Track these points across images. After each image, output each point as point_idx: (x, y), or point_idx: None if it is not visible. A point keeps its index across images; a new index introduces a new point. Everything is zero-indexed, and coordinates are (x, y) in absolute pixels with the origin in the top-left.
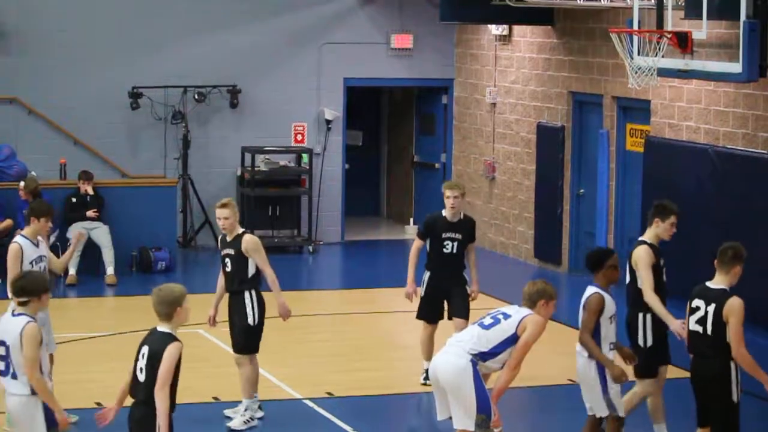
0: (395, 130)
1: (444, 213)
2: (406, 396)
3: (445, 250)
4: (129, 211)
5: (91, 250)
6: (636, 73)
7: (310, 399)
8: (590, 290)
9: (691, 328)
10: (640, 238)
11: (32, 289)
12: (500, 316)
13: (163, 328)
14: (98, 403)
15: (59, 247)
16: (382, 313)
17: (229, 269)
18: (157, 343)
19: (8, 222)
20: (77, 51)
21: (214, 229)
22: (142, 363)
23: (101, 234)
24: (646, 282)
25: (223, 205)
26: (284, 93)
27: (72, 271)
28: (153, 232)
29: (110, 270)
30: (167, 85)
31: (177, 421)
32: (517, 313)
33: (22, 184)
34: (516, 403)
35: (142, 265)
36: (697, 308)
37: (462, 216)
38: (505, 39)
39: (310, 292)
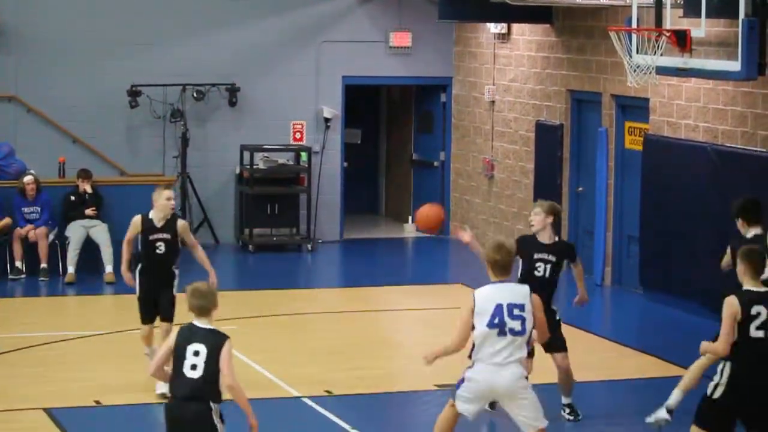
0: (394, 128)
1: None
2: (405, 394)
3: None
4: (128, 209)
5: (89, 249)
6: (635, 71)
7: (309, 397)
8: None
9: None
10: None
11: None
12: None
13: None
14: (97, 402)
15: (58, 245)
16: (380, 311)
17: (162, 251)
18: None
19: (7, 220)
20: (76, 49)
21: (213, 228)
22: None
23: (100, 232)
24: None
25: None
26: (283, 91)
27: (71, 270)
28: None
29: (109, 268)
30: (166, 83)
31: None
32: None
33: (29, 178)
34: None
35: None
36: (758, 314)
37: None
38: (504, 37)
39: (309, 290)
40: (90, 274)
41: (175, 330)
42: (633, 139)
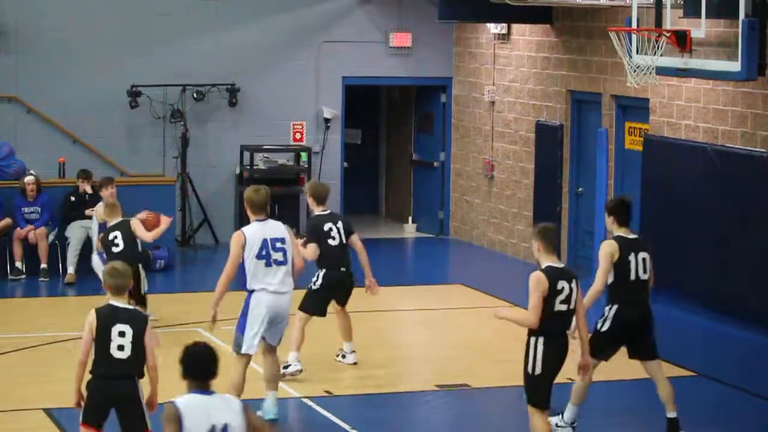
0: (394, 128)
1: None
2: (405, 394)
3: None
4: (127, 209)
5: (89, 249)
6: (635, 71)
7: (309, 397)
8: None
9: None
10: None
11: None
12: None
13: None
14: None
15: (58, 245)
16: (380, 311)
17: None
18: None
19: (7, 221)
20: (76, 49)
21: (213, 228)
22: None
23: None
24: None
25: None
26: (283, 91)
27: (71, 270)
28: None
29: None
30: (166, 83)
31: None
32: None
33: (30, 178)
34: (514, 401)
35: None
36: (562, 289)
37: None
38: (504, 37)
39: None
40: (90, 275)
41: (92, 313)
42: (633, 139)
